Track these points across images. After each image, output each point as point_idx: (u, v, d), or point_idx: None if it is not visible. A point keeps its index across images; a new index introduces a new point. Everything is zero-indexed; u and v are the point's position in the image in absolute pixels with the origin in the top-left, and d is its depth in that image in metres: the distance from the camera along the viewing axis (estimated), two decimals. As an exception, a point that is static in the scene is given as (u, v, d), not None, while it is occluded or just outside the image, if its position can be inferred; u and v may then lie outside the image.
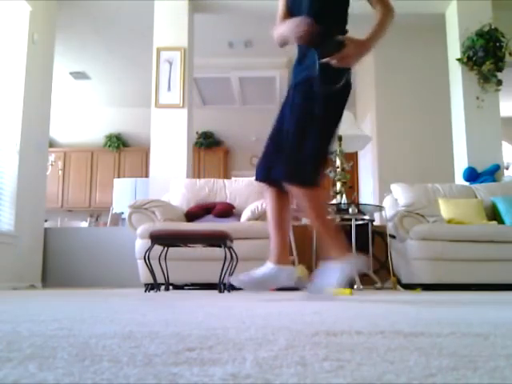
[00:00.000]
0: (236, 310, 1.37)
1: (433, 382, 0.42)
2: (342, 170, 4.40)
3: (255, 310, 1.41)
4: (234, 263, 3.27)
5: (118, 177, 9.32)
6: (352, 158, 7.17)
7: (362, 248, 4.32)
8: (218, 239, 3.23)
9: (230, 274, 3.23)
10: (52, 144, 8.50)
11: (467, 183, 5.24)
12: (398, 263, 4.31)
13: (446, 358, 0.54)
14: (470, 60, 5.37)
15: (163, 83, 5.54)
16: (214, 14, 6.15)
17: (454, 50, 5.65)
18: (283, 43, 2.18)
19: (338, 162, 4.43)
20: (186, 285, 4.25)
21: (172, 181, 4.86)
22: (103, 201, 9.19)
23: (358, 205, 4.36)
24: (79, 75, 8.20)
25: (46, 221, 5.92)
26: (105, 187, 9.26)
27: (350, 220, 4.13)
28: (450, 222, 4.27)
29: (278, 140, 2.16)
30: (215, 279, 3.28)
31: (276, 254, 2.11)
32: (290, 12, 2.25)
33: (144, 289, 3.56)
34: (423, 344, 0.66)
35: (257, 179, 2.23)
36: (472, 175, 5.31)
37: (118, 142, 9.51)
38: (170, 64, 5.58)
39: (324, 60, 1.96)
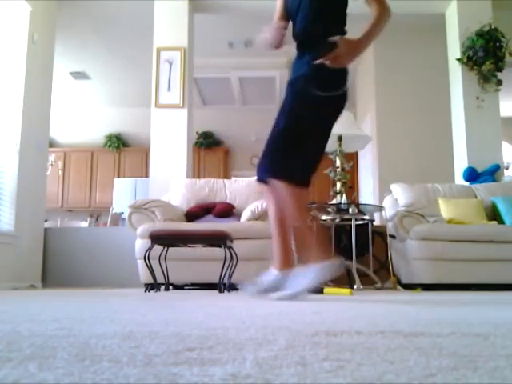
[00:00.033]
0: (236, 310, 1.37)
1: (433, 382, 0.42)
2: (342, 170, 4.40)
3: (255, 310, 1.41)
4: (234, 263, 3.27)
5: (118, 177, 9.32)
6: (352, 158, 7.17)
7: (362, 248, 4.33)
8: (218, 239, 3.23)
9: (230, 275, 3.24)
10: (52, 144, 8.50)
11: (467, 183, 5.24)
12: (397, 263, 4.31)
13: (445, 357, 0.54)
14: (470, 60, 5.37)
15: (163, 83, 5.54)
16: (214, 14, 6.15)
17: (454, 50, 5.65)
18: (267, 48, 2.20)
19: (338, 162, 4.43)
20: (186, 285, 4.25)
21: (172, 181, 4.86)
22: (103, 201, 9.19)
23: (358, 205, 4.37)
24: (79, 75, 8.20)
25: (46, 221, 5.92)
26: (105, 187, 9.26)
27: (350, 220, 4.13)
28: (450, 221, 4.27)
29: None
30: (215, 279, 3.28)
31: (279, 259, 2.11)
32: (289, 12, 2.25)
33: (144, 289, 3.56)
34: (423, 344, 0.66)
35: (258, 180, 2.24)
36: (472, 175, 5.31)
37: (118, 142, 9.51)
38: (170, 64, 5.58)
39: (317, 61, 1.96)
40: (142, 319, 1.06)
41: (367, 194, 7.29)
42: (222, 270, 3.18)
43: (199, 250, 3.76)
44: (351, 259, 4.12)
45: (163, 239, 3.28)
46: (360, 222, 4.28)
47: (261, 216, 4.01)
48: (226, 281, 3.20)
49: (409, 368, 0.48)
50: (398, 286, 4.05)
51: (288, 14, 2.27)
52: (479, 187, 4.75)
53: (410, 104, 6.81)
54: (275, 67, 7.73)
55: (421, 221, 4.19)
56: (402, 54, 6.89)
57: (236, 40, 7.08)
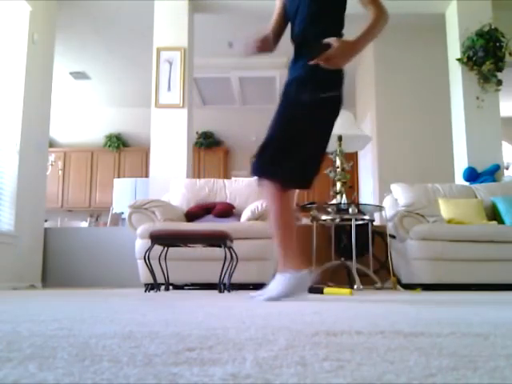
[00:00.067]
0: (236, 310, 1.37)
1: (433, 382, 0.42)
2: (342, 170, 4.40)
3: (255, 310, 1.41)
4: (234, 263, 3.27)
5: (118, 177, 9.32)
6: (352, 158, 7.17)
7: (362, 248, 4.33)
8: (218, 239, 3.23)
9: (230, 275, 3.24)
10: (52, 144, 8.50)
11: (467, 183, 5.24)
12: (397, 263, 4.31)
13: (446, 357, 0.54)
14: (470, 60, 5.37)
15: (163, 83, 5.55)
16: (214, 14, 6.15)
17: (454, 50, 5.65)
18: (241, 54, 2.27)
19: (337, 162, 4.43)
20: (186, 285, 4.25)
21: (172, 181, 4.86)
22: (103, 201, 9.19)
23: (358, 205, 4.37)
24: (79, 75, 8.20)
25: (46, 221, 5.92)
26: (105, 187, 9.26)
27: (350, 220, 4.14)
28: (450, 221, 4.27)
29: None
30: (215, 279, 3.28)
31: (295, 259, 2.10)
32: (288, 15, 2.26)
33: (144, 289, 3.56)
34: (423, 344, 0.66)
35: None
36: (472, 175, 5.31)
37: (118, 142, 9.51)
38: (170, 64, 5.58)
39: (312, 61, 1.96)
40: (142, 319, 1.06)
41: (367, 193, 7.29)
42: (222, 270, 3.18)
43: (199, 250, 3.76)
44: (351, 259, 4.12)
45: (163, 239, 3.28)
46: (360, 222, 4.28)
47: (261, 216, 4.01)
48: (226, 281, 3.20)
49: (409, 368, 0.48)
50: (398, 286, 4.05)
51: (286, 17, 2.29)
52: (479, 187, 4.75)
53: (409, 104, 6.81)
54: (275, 67, 7.73)
55: (421, 221, 4.19)
56: (402, 54, 6.89)
57: (236, 40, 7.08)
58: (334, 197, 4.39)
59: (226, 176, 9.32)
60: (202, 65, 7.37)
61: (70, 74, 8.11)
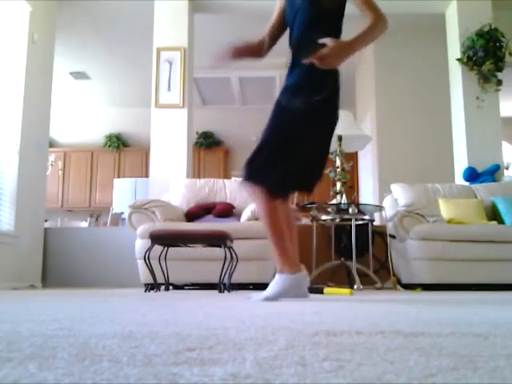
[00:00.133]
0: (236, 310, 1.37)
1: (433, 382, 0.42)
2: (342, 170, 4.40)
3: (255, 310, 1.41)
4: (234, 263, 3.27)
5: (118, 177, 9.32)
6: (352, 158, 7.17)
7: (362, 248, 4.33)
8: (218, 239, 3.23)
9: (230, 275, 3.24)
10: (52, 144, 8.50)
11: (467, 183, 5.24)
12: (397, 263, 4.31)
13: (446, 357, 0.54)
14: (470, 60, 5.37)
15: (163, 83, 5.54)
16: (214, 14, 6.15)
17: (454, 50, 5.65)
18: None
19: (338, 162, 4.43)
20: (186, 285, 4.25)
21: (172, 181, 4.86)
22: (103, 201, 9.19)
23: (358, 205, 4.37)
24: (79, 75, 8.20)
25: (46, 221, 5.92)
26: (105, 187, 9.26)
27: (350, 220, 4.14)
28: (450, 222, 4.27)
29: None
30: (215, 279, 3.28)
31: (289, 263, 2.11)
32: (286, 20, 2.27)
33: (144, 289, 3.56)
34: (423, 344, 0.66)
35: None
36: (472, 175, 5.31)
37: (118, 142, 9.51)
38: (170, 64, 5.58)
39: (306, 60, 1.97)
40: (142, 319, 1.06)
41: (367, 193, 7.29)
42: (222, 270, 3.18)
43: (199, 250, 3.76)
44: (351, 259, 4.12)
45: (163, 239, 3.28)
46: (360, 222, 4.28)
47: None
48: (226, 281, 3.20)
49: (409, 368, 0.48)
50: (398, 286, 4.05)
51: (285, 22, 2.30)
52: (479, 187, 4.75)
53: (410, 104, 6.81)
54: (275, 67, 7.72)
55: (421, 221, 4.19)
56: (402, 54, 6.89)
57: (236, 40, 7.07)
58: (334, 197, 4.39)
59: (226, 176, 9.32)
60: (202, 65, 7.36)
61: (70, 74, 8.11)
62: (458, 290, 3.83)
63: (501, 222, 4.35)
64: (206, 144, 9.53)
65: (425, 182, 5.14)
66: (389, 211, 4.46)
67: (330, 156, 4.45)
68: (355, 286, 3.90)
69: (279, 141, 2.09)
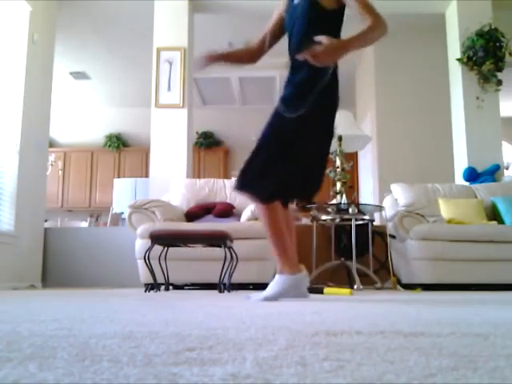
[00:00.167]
0: (236, 310, 1.37)
1: (433, 382, 0.42)
2: (342, 170, 4.40)
3: (255, 310, 1.41)
4: (234, 263, 3.27)
5: (118, 177, 9.31)
6: (352, 158, 7.17)
7: (362, 248, 4.33)
8: (218, 239, 3.23)
9: (230, 275, 3.24)
10: (52, 144, 8.50)
11: (467, 183, 5.24)
12: (397, 263, 4.31)
13: (446, 357, 0.54)
14: (470, 60, 5.37)
15: (163, 83, 5.54)
16: (214, 14, 6.15)
17: (454, 50, 5.65)
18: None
19: (338, 162, 4.43)
20: (186, 285, 4.25)
21: (172, 181, 4.86)
22: (103, 201, 9.19)
23: (358, 205, 4.37)
24: (79, 75, 8.20)
25: (46, 221, 5.92)
26: (105, 187, 9.26)
27: (350, 220, 4.14)
28: (450, 222, 4.27)
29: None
30: (215, 279, 3.28)
31: (289, 264, 2.12)
32: (286, 27, 2.28)
33: (144, 289, 3.56)
34: (423, 344, 0.66)
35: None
36: (472, 175, 5.31)
37: (118, 142, 9.51)
38: (170, 64, 5.58)
39: (298, 56, 1.97)
40: (142, 319, 1.06)
41: (367, 193, 7.29)
42: (222, 270, 3.18)
43: (199, 250, 3.76)
44: (351, 259, 4.12)
45: (163, 239, 3.28)
46: (360, 222, 4.28)
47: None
48: (226, 281, 3.20)
49: (409, 368, 0.48)
50: (398, 286, 4.05)
51: (282, 29, 2.33)
52: (479, 187, 4.75)
53: (410, 104, 6.81)
54: (275, 67, 7.71)
55: (421, 221, 4.19)
56: (402, 54, 6.89)
57: (236, 40, 7.08)
58: (334, 197, 4.39)
59: (226, 176, 9.32)
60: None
61: (70, 74, 8.11)
62: (458, 290, 3.83)
63: (501, 222, 4.35)
64: (206, 144, 9.53)
65: (425, 182, 5.14)
66: (389, 211, 4.45)
67: (330, 156, 4.45)
68: (355, 286, 3.90)
69: (276, 147, 2.10)
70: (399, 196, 4.62)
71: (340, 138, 4.46)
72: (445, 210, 4.39)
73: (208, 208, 4.34)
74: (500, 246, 3.98)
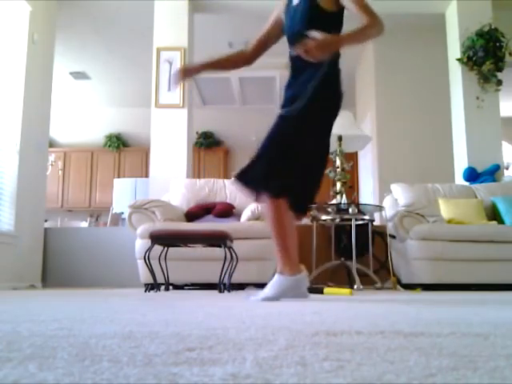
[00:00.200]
0: (236, 310, 1.37)
1: (433, 382, 0.42)
2: (342, 170, 4.40)
3: (255, 310, 1.42)
4: (234, 263, 3.27)
5: (118, 177, 9.31)
6: (352, 158, 7.17)
7: (362, 248, 4.33)
8: (218, 239, 3.23)
9: (230, 275, 3.24)
10: (52, 144, 8.50)
11: (467, 183, 5.24)
12: (397, 263, 4.31)
13: (446, 357, 0.54)
14: (470, 60, 5.37)
15: (163, 83, 5.54)
16: (214, 14, 6.15)
17: (454, 50, 5.65)
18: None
19: (338, 162, 4.43)
20: (186, 285, 4.25)
21: (172, 181, 4.86)
22: (103, 201, 9.19)
23: (358, 205, 4.37)
24: (79, 75, 8.20)
25: (46, 221, 5.92)
26: (105, 187, 9.26)
27: (350, 220, 4.14)
28: (450, 222, 4.27)
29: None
30: (215, 279, 3.28)
31: (290, 264, 2.12)
32: (286, 32, 2.28)
33: (144, 289, 3.56)
34: (423, 344, 0.66)
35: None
36: (472, 175, 5.31)
37: (118, 142, 9.51)
38: (170, 64, 5.58)
39: (294, 53, 1.98)
40: (142, 319, 1.06)
41: (367, 193, 7.29)
42: (222, 270, 3.18)
43: (199, 250, 3.76)
44: (351, 259, 4.12)
45: (163, 239, 3.28)
46: (360, 222, 4.28)
47: (261, 216, 4.01)
48: (226, 281, 3.20)
49: (409, 368, 0.48)
50: (398, 286, 4.05)
51: (278, 34, 2.36)
52: (479, 187, 4.75)
53: (410, 104, 6.81)
54: (275, 67, 7.72)
55: (421, 221, 4.19)
56: (402, 54, 6.89)
57: (236, 40, 7.08)
58: (334, 197, 4.39)
59: (226, 176, 9.32)
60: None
61: (70, 74, 8.11)
62: (458, 290, 3.83)
63: (501, 222, 4.35)
64: (206, 144, 9.53)
65: (425, 182, 5.14)
66: (389, 211, 4.45)
67: (330, 156, 4.45)
68: (355, 286, 3.90)
69: (280, 146, 2.11)
70: (399, 196, 4.62)
71: (340, 138, 4.46)
72: (445, 209, 4.39)
73: (208, 208, 4.34)
74: (500, 246, 3.98)
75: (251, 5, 5.75)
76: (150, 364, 0.50)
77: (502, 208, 4.42)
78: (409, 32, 6.67)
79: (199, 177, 9.16)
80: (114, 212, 6.83)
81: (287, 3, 2.27)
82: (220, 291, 3.14)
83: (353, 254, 4.08)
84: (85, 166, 9.46)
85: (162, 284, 3.53)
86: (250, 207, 4.18)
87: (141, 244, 3.87)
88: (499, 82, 5.37)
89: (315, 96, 2.09)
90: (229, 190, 4.63)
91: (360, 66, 7.76)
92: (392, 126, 6.77)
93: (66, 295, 2.67)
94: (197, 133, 9.28)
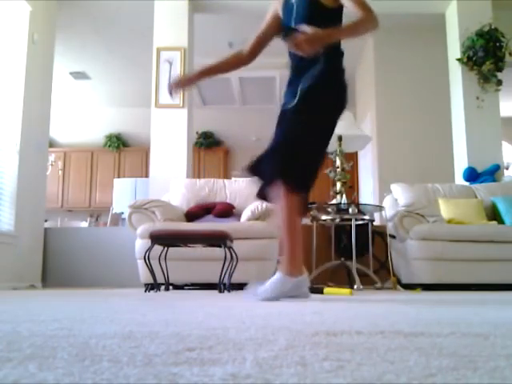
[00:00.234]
0: (236, 310, 1.37)
1: (433, 382, 0.42)
2: (342, 170, 4.40)
3: (255, 310, 1.41)
4: (234, 263, 3.27)
5: (118, 177, 9.32)
6: (352, 158, 7.17)
7: (362, 248, 4.33)
8: (218, 239, 3.23)
9: (230, 275, 3.24)
10: (52, 144, 8.50)
11: (467, 183, 5.24)
12: (397, 263, 4.31)
13: (446, 357, 0.54)
14: (470, 60, 5.37)
15: (163, 83, 5.54)
16: (214, 14, 6.15)
17: (454, 50, 5.65)
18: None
19: (337, 162, 4.43)
20: (186, 285, 4.25)
21: (172, 181, 4.86)
22: (103, 201, 9.19)
23: (358, 205, 4.37)
24: (79, 75, 8.20)
25: (46, 221, 5.92)
26: (105, 187, 9.26)
27: (350, 220, 4.14)
28: (450, 222, 4.27)
29: None
30: (215, 279, 3.28)
31: (294, 264, 2.12)
32: (283, 28, 2.28)
33: (144, 289, 3.56)
34: (423, 344, 0.66)
35: (261, 198, 2.30)
36: (472, 175, 5.31)
37: (118, 142, 9.51)
38: (170, 64, 5.58)
39: (290, 48, 1.99)
40: (142, 319, 1.06)
41: (367, 193, 7.29)
42: (222, 270, 3.18)
43: (199, 250, 3.76)
44: (351, 259, 4.12)
45: (163, 239, 3.28)
46: (360, 222, 4.28)
47: (261, 216, 4.01)
48: (226, 281, 3.20)
49: (409, 368, 0.48)
50: (398, 286, 4.05)
51: (276, 33, 2.36)
52: (479, 187, 4.75)
53: (410, 104, 6.81)
54: (275, 67, 7.72)
55: (421, 221, 4.19)
56: (402, 54, 6.89)
57: (236, 40, 7.08)
58: (334, 197, 4.39)
59: (226, 176, 9.32)
60: (202, 65, 7.36)
61: (70, 74, 8.11)
62: (458, 290, 3.83)
63: (501, 222, 4.35)
64: (206, 144, 9.53)
65: (425, 182, 5.14)
66: (389, 211, 4.45)
67: (330, 156, 4.45)
68: (355, 286, 3.90)
69: (294, 137, 2.10)
70: (399, 196, 4.62)
71: (340, 138, 4.46)
72: (445, 210, 4.39)
73: (208, 208, 4.34)
74: (500, 246, 3.98)
75: (251, 5, 5.75)
76: (149, 364, 0.50)
77: (501, 208, 4.42)
78: (409, 32, 6.67)
79: (199, 177, 9.16)
80: (113, 212, 6.83)
81: (284, 1, 2.27)
82: (220, 291, 3.14)
83: (353, 254, 4.08)
84: (85, 165, 9.46)
85: (162, 284, 3.53)
86: (250, 207, 4.18)
87: (141, 244, 3.87)
88: (499, 82, 5.37)
89: (314, 91, 2.09)
90: (229, 190, 4.63)
91: (360, 66, 7.76)
92: (392, 126, 6.77)
93: (66, 295, 2.67)
94: (197, 133, 9.28)
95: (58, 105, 9.02)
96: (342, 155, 4.45)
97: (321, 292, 2.76)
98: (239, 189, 4.61)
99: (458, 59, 5.48)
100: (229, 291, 3.18)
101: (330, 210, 4.28)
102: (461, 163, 5.52)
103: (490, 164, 5.33)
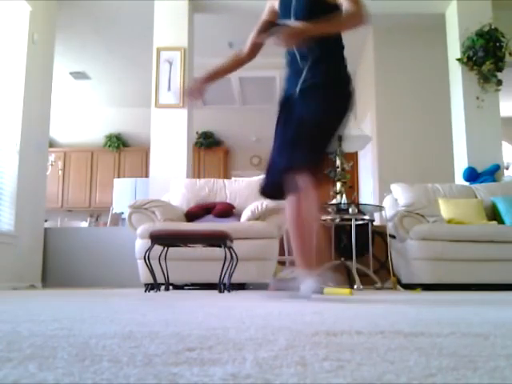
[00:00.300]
0: (236, 310, 1.37)
1: (433, 382, 0.42)
2: (342, 170, 4.40)
3: (255, 310, 1.41)
4: (234, 263, 3.27)
5: (118, 177, 9.32)
6: (352, 158, 7.17)
7: (362, 248, 4.33)
8: (218, 239, 3.23)
9: (230, 275, 3.23)
10: (52, 144, 8.50)
11: (467, 183, 5.24)
12: (397, 263, 4.31)
13: (446, 357, 0.54)
14: (470, 60, 5.37)
15: (163, 83, 5.54)
16: (214, 14, 6.15)
17: (454, 50, 5.65)
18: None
19: (337, 162, 4.43)
20: (186, 285, 4.25)
21: (172, 181, 4.86)
22: (103, 201, 9.19)
23: (358, 205, 4.37)
24: (79, 75, 8.20)
25: (46, 221, 5.92)
26: (105, 187, 9.26)
27: (350, 220, 4.13)
28: (450, 222, 4.27)
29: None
30: (215, 279, 3.28)
31: (309, 261, 2.12)
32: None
33: (144, 289, 3.55)
34: (423, 344, 0.66)
35: (267, 197, 2.28)
36: (472, 175, 5.31)
37: (118, 142, 9.51)
38: (170, 64, 5.58)
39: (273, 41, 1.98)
40: (142, 319, 1.06)
41: (367, 193, 7.29)
42: (222, 270, 3.18)
43: (199, 250, 3.76)
44: (351, 259, 4.12)
45: (163, 239, 3.28)
46: (360, 222, 4.28)
47: (261, 216, 4.01)
48: (226, 281, 3.20)
49: (409, 368, 0.48)
50: (398, 286, 4.05)
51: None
52: (479, 187, 4.75)
53: (410, 104, 6.81)
54: (275, 67, 7.71)
55: (421, 221, 4.19)
56: (402, 54, 6.89)
57: (236, 40, 7.08)
58: (334, 197, 4.39)
59: (226, 176, 9.32)
60: (202, 65, 7.36)
61: (70, 74, 8.11)
62: (458, 290, 3.83)
63: (501, 222, 4.35)
64: (206, 144, 9.53)
65: (425, 182, 5.14)
66: (389, 211, 4.45)
67: (330, 156, 4.45)
68: (355, 286, 3.90)
69: (311, 129, 2.10)
70: (399, 196, 4.62)
71: (340, 138, 4.45)
72: (445, 210, 4.39)
73: (208, 208, 4.34)
74: (500, 246, 3.98)
75: (251, 5, 5.75)
76: (149, 364, 0.50)
77: (501, 208, 4.42)
78: (409, 32, 6.67)
79: (199, 177, 9.16)
80: (113, 212, 6.83)
81: None
82: (220, 291, 3.14)
83: (353, 254, 4.08)
84: (85, 165, 9.46)
85: (162, 284, 3.53)
86: (250, 207, 4.18)
87: (141, 244, 3.87)
88: (499, 82, 5.37)
89: (312, 84, 2.10)
90: (229, 190, 4.63)
91: (360, 66, 7.76)
92: (392, 126, 6.77)
93: (66, 295, 2.67)
94: (197, 133, 9.28)
95: (57, 105, 9.01)
96: (342, 155, 4.45)
97: (321, 292, 2.76)
98: (239, 189, 4.61)
99: (458, 59, 5.48)
100: (229, 291, 3.18)
101: (330, 210, 4.28)
102: (461, 163, 5.53)
103: (490, 164, 5.33)
